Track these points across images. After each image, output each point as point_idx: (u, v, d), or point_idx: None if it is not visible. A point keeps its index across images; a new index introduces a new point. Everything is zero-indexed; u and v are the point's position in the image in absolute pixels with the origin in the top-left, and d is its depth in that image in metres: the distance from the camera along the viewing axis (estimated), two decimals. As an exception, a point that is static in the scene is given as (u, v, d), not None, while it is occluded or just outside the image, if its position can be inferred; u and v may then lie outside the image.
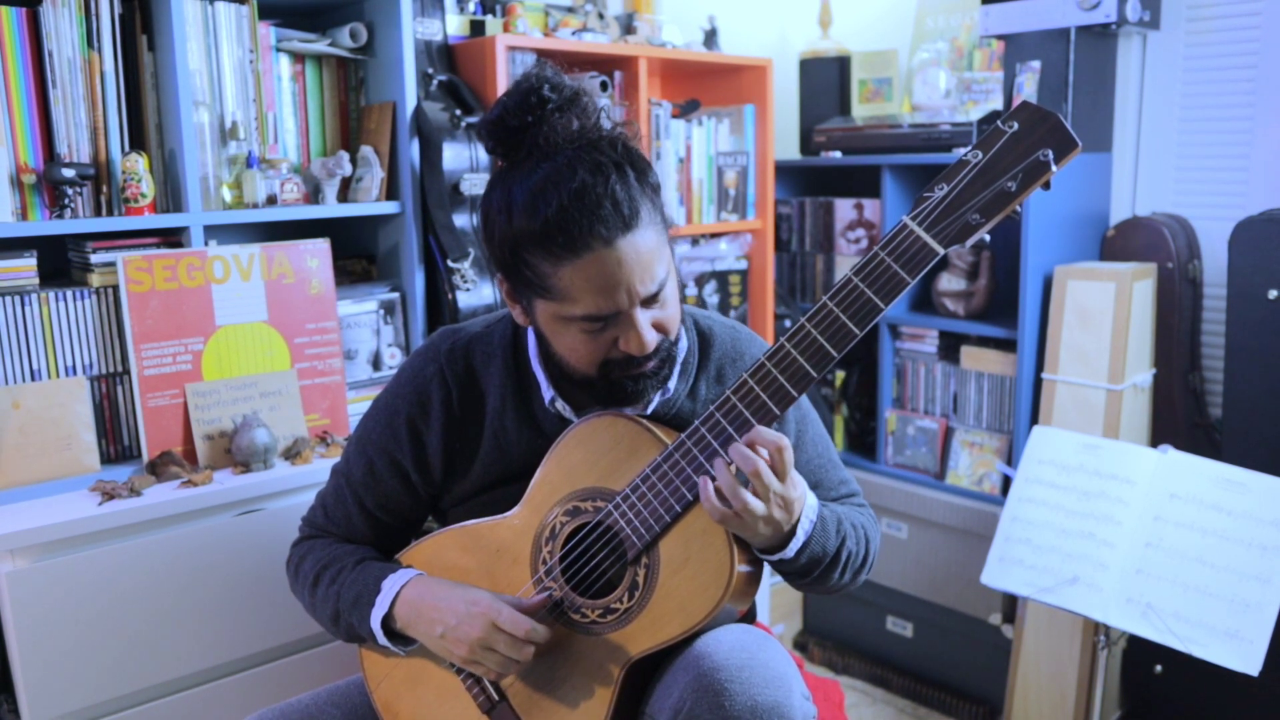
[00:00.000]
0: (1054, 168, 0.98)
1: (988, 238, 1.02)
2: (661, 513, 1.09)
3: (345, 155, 1.90)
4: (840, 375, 2.70)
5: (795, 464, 1.22)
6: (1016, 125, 1.00)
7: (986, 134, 1.01)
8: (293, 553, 1.35)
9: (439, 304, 1.96)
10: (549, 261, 1.05)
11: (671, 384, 1.21)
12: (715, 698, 1.01)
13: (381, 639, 1.21)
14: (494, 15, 2.19)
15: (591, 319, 1.08)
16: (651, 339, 1.10)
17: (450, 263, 1.90)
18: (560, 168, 1.05)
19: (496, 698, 1.18)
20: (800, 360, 1.05)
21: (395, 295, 1.99)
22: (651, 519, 1.10)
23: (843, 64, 2.75)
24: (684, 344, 1.24)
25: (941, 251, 1.00)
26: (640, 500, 1.10)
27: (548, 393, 1.22)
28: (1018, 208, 1.00)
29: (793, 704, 1.02)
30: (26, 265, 1.59)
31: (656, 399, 1.21)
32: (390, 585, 1.20)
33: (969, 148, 1.02)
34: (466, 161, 1.94)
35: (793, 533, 1.10)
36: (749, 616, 1.30)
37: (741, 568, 1.07)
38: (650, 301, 1.10)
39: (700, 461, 1.08)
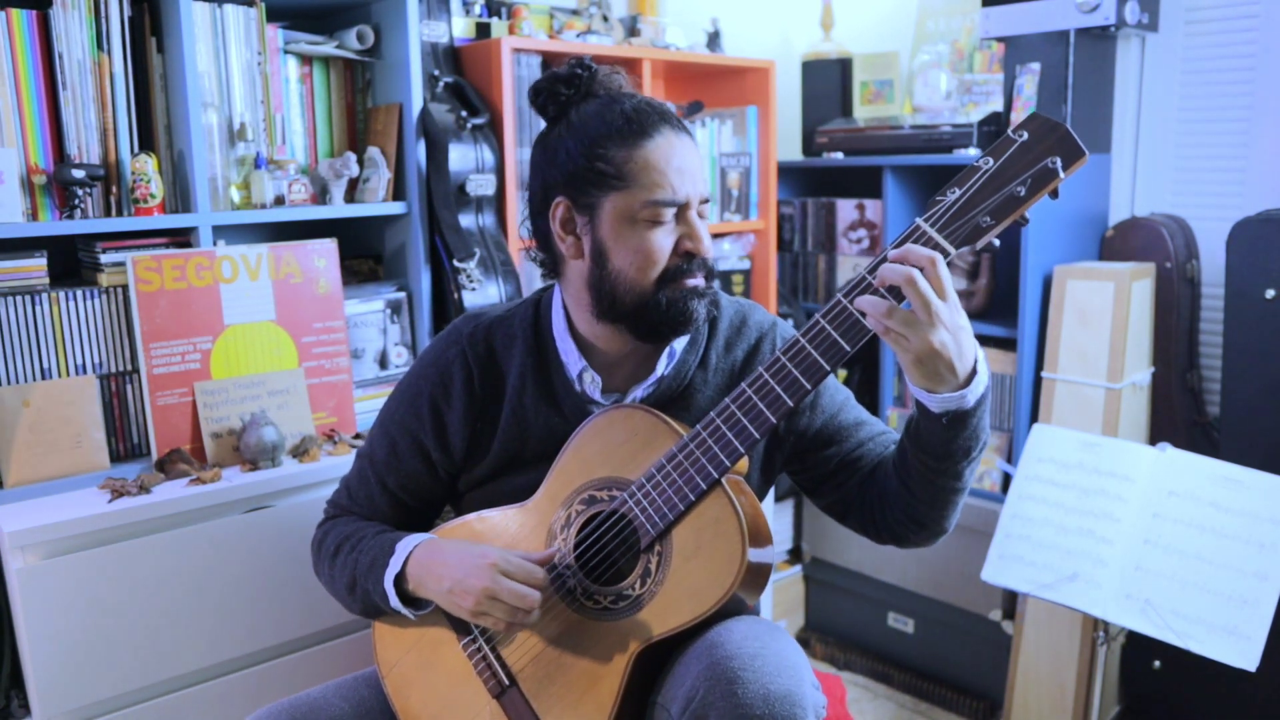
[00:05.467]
0: (1062, 175, 1.00)
1: (997, 241, 1.04)
2: (675, 501, 1.12)
3: (352, 156, 1.91)
4: (842, 374, 2.71)
5: (827, 409, 1.29)
6: (1026, 134, 1.02)
7: (997, 142, 1.04)
8: (317, 532, 1.39)
9: (445, 303, 1.98)
10: (625, 148, 1.16)
11: (679, 346, 1.27)
12: (728, 686, 1.02)
13: (394, 601, 1.23)
14: (499, 18, 2.20)
15: (661, 203, 1.15)
16: (709, 242, 1.20)
17: (456, 262, 1.92)
18: (613, 96, 1.20)
19: (507, 682, 1.20)
20: (814, 354, 1.08)
21: (402, 295, 2.01)
22: (665, 507, 1.12)
23: (844, 66, 2.76)
24: None
25: (953, 252, 1.02)
26: (655, 489, 1.13)
27: (577, 365, 1.25)
28: (1026, 213, 1.03)
29: (804, 693, 1.04)
30: (37, 265, 1.60)
31: (664, 364, 1.25)
32: (404, 547, 1.24)
33: (979, 154, 1.04)
34: (472, 162, 1.95)
35: (972, 374, 1.08)
36: (752, 614, 1.31)
37: (752, 557, 1.09)
38: (702, 209, 1.20)
39: (714, 451, 1.11)
